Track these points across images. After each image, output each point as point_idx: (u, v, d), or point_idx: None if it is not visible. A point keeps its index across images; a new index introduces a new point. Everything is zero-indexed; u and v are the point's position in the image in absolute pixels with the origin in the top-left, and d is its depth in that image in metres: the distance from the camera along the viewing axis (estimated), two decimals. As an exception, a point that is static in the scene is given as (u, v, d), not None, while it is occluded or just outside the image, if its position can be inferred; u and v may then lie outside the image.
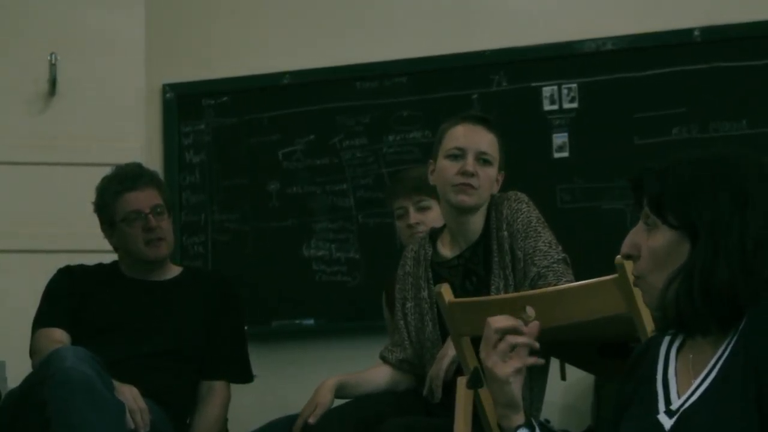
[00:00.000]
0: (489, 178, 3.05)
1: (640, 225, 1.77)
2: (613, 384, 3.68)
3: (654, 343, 1.84)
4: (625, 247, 1.79)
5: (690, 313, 1.67)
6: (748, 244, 1.64)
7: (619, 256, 2.43)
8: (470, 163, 3.01)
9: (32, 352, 3.23)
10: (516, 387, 1.98)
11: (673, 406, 1.68)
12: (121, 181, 3.38)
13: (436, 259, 3.16)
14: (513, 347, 2.01)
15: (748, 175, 1.69)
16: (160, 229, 3.34)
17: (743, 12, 4.35)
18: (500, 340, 2.02)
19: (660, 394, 1.73)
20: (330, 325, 4.57)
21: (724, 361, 1.64)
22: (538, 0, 4.64)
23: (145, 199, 3.35)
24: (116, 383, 2.90)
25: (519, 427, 1.98)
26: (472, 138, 3.05)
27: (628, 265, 2.46)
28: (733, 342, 1.64)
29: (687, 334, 1.76)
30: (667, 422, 1.67)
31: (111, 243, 3.43)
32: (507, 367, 1.99)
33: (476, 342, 2.81)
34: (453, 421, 2.65)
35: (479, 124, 3.08)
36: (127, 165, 3.50)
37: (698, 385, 1.66)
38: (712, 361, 1.66)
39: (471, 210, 3.06)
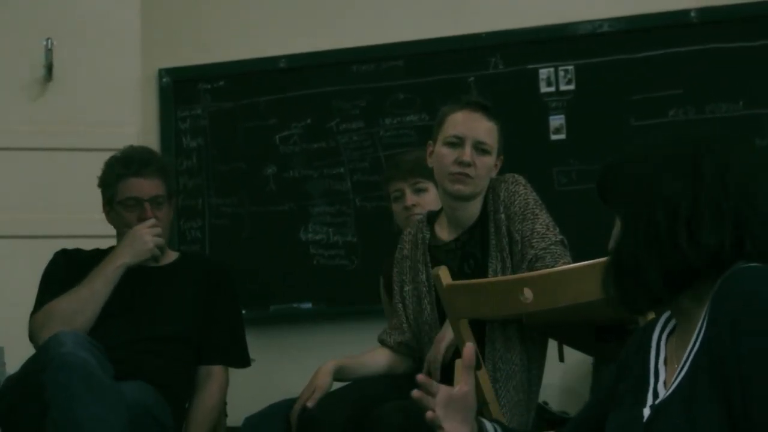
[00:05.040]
0: (486, 166, 3.04)
1: None
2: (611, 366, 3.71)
3: (648, 329, 1.85)
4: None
5: (611, 293, 1.75)
6: (660, 225, 1.67)
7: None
8: (467, 153, 3.00)
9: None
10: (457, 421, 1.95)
11: (659, 399, 1.68)
12: (127, 164, 3.34)
13: (434, 242, 3.15)
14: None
15: (660, 165, 1.73)
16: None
17: (739, -7, 4.35)
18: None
19: (650, 385, 1.73)
20: (328, 308, 4.58)
21: (695, 354, 1.63)
22: (534, -18, 4.63)
23: (147, 187, 3.32)
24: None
25: None
26: (470, 126, 3.03)
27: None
28: (703, 331, 1.63)
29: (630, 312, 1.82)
30: (647, 414, 1.67)
31: (108, 220, 3.41)
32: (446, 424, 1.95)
33: (474, 324, 2.83)
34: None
35: (479, 112, 3.06)
36: (137, 148, 3.45)
37: (675, 377, 1.65)
38: (686, 352, 1.66)
39: (467, 198, 3.06)
